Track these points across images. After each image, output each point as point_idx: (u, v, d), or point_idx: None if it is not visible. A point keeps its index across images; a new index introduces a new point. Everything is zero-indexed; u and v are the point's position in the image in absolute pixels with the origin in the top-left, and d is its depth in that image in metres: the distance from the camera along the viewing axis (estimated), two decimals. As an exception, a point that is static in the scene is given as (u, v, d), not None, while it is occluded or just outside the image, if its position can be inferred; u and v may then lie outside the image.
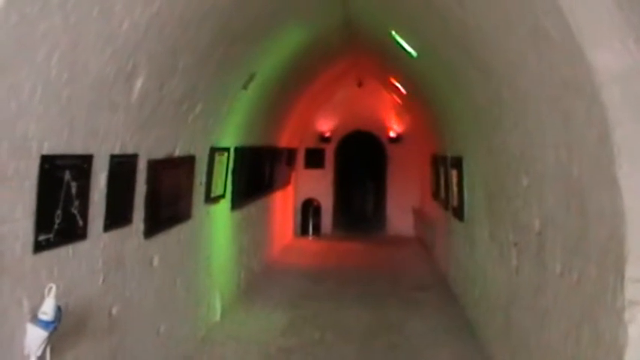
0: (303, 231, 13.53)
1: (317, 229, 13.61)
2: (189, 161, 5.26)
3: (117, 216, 3.72)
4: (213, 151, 5.99)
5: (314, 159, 13.83)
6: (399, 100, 12.84)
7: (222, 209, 6.82)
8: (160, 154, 4.41)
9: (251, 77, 6.40)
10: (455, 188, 7.56)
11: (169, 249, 4.92)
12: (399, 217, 13.84)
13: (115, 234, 3.74)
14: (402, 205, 13.76)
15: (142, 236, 4.23)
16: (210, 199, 6.13)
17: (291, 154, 11.86)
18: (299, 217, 13.59)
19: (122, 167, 3.72)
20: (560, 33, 2.75)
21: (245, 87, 6.39)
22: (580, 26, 2.53)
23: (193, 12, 3.96)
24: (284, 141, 10.82)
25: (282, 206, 11.77)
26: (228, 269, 7.32)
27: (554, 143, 3.40)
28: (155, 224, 4.45)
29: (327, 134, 13.92)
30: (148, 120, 4.00)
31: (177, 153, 4.86)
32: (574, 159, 3.10)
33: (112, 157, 3.55)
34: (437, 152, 9.50)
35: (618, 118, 2.52)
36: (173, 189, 4.88)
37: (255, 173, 8.51)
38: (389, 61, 9.29)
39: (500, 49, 3.95)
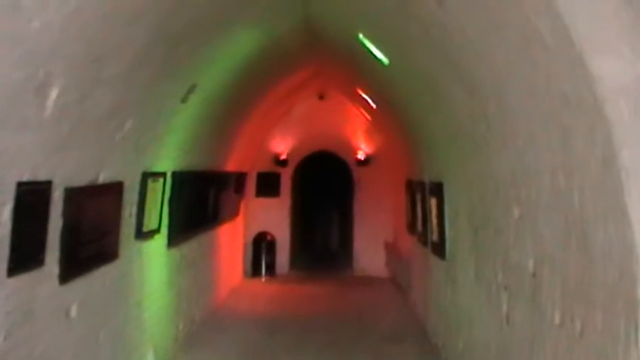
0: (255, 271, 13.41)
1: (271, 269, 13.50)
2: (116, 189, 5.18)
3: (25, 257, 3.61)
4: (146, 176, 5.93)
5: (267, 185, 13.78)
6: (367, 116, 12.93)
7: (156, 246, 6.75)
8: (80, 180, 4.33)
9: (191, 89, 6.35)
10: (434, 220, 7.57)
11: (91, 296, 4.81)
12: (369, 254, 13.84)
13: (23, 279, 3.62)
14: (372, 239, 13.78)
15: (56, 281, 4.12)
16: (143, 234, 6.06)
17: (240, 179, 11.80)
18: (250, 254, 13.48)
19: (32, 197, 3.62)
20: (556, 37, 2.76)
21: (184, 100, 6.35)
22: (580, 29, 2.54)
23: (122, 10, 3.88)
24: (232, 164, 10.76)
25: (230, 242, 11.68)
26: (164, 319, 7.19)
27: (551, 167, 3.41)
28: (73, 266, 4.35)
29: (283, 156, 13.91)
30: (65, 140, 3.90)
31: (102, 179, 4.78)
32: (574, 185, 3.11)
33: (20, 185, 3.44)
34: (413, 177, 9.54)
35: (626, 137, 2.51)
36: (96, 223, 4.80)
37: (197, 203, 8.44)
38: (356, 70, 9.34)
39: (486, 57, 3.97)
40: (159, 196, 6.53)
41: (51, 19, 3.14)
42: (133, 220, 5.77)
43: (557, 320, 3.46)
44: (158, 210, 6.58)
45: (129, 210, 5.61)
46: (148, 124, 5.58)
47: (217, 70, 7.11)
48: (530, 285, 3.97)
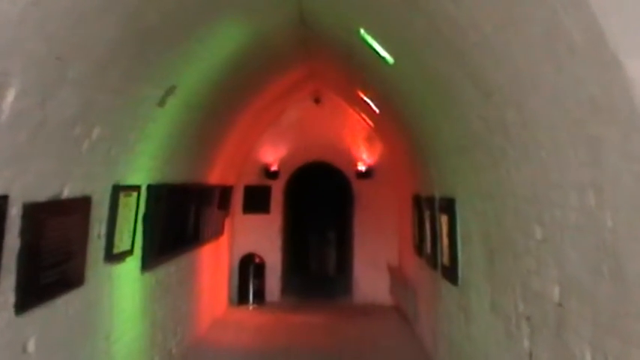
0: (241, 298, 13.37)
1: (260, 296, 13.46)
2: (83, 205, 5.14)
3: (-25, 284, 3.54)
4: (118, 190, 5.90)
5: (256, 200, 13.77)
6: (369, 122, 12.94)
7: (129, 270, 6.71)
8: (41, 195, 4.28)
9: (169, 91, 6.35)
10: (445, 240, 7.55)
11: (52, 327, 4.74)
12: (371, 279, 13.80)
13: (-28, 309, 3.55)
14: (375, 262, 13.76)
15: (12, 311, 4.06)
16: (113, 256, 6.02)
17: (224, 194, 11.77)
18: (235, 279, 13.45)
19: (-16, 214, 3.56)
20: (586, 35, 2.74)
21: (161, 104, 6.34)
22: (614, 25, 2.50)
23: (88, 1, 3.85)
24: (216, 176, 10.75)
25: (213, 265, 11.64)
26: (137, 353, 7.13)
27: (579, 182, 3.38)
28: (32, 293, 4.29)
29: (274, 167, 13.92)
30: (24, 148, 3.86)
31: (67, 194, 4.74)
32: (606, 204, 3.08)
33: (-30, 200, 3.38)
34: (421, 192, 9.53)
35: (665, 149, 2.49)
36: (60, 244, 4.74)
37: (176, 220, 8.42)
38: (357, 70, 9.35)
39: (504, 57, 3.95)
40: (132, 212, 6.50)
41: (6, 12, 3.11)
42: (102, 241, 5.72)
43: (587, 358, 3.43)
44: (131, 229, 6.54)
45: (97, 229, 5.56)
46: (119, 131, 5.54)
47: (199, 70, 7.10)
48: (555, 317, 3.94)
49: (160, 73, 6.00)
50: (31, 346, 4.38)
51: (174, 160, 7.81)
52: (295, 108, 13.69)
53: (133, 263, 6.82)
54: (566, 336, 3.77)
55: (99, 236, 5.63)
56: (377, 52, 7.07)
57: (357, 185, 14.02)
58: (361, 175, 13.94)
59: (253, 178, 13.82)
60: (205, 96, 7.88)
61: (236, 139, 11.33)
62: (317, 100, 13.68)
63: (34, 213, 4.16)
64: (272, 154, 13.96)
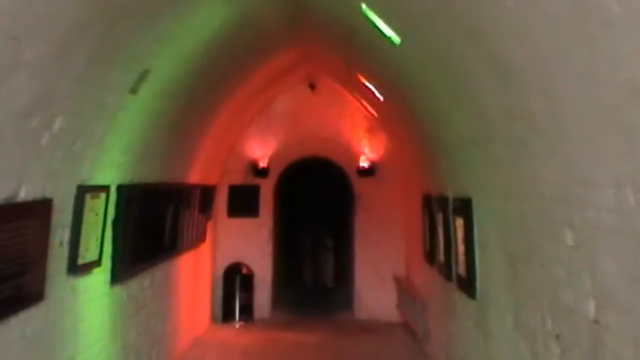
0: (226, 315, 13.38)
1: (247, 312, 13.48)
2: (42, 209, 5.12)
3: None
4: (83, 191, 5.89)
5: (243, 202, 13.79)
6: (372, 111, 12.92)
7: (96, 284, 6.70)
8: (-8, 197, 4.25)
9: (142, 76, 6.34)
10: (461, 247, 7.53)
11: (6, 351, 4.72)
12: (375, 292, 13.82)
13: None
14: (379, 271, 13.78)
15: (-41, 332, 4.03)
16: (78, 267, 6.01)
17: (206, 195, 11.79)
18: (219, 292, 13.47)
19: None
20: (625, 7, 2.70)
21: (133, 90, 6.34)
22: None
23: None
24: (196, 175, 10.76)
25: (194, 276, 11.65)
26: (106, 380, 7.12)
27: (615, 179, 3.36)
28: (-17, 312, 4.25)
29: (263, 164, 13.93)
30: (-29, 143, 3.81)
31: (24, 195, 4.72)
32: (647, 204, 3.05)
33: None
34: (432, 191, 9.53)
35: None
36: (15, 253, 4.73)
37: (151, 226, 8.42)
38: (358, 52, 9.34)
39: (526, 34, 3.93)
40: (100, 217, 6.49)
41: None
42: (65, 250, 5.70)
43: (626, 383, 3.40)
44: (99, 236, 6.53)
45: (59, 236, 5.54)
46: (85, 122, 5.53)
47: (176, 53, 7.09)
48: (590, 335, 3.91)
49: (132, 56, 5.98)
50: (-19, 373, 4.36)
51: (148, 156, 7.80)
52: (287, 96, 13.71)
53: (101, 275, 6.80)
54: (602, 358, 3.74)
55: (61, 244, 5.60)
56: (381, 31, 7.04)
57: (359, 184, 14.03)
58: (363, 172, 13.95)
59: (239, 177, 13.83)
60: (184, 82, 7.86)
61: (219, 131, 11.33)
62: (312, 87, 13.69)
63: (-15, 218, 4.14)
64: (261, 149, 13.96)
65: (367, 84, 10.72)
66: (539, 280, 4.88)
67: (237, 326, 13.12)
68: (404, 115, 9.92)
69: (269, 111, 13.79)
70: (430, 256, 9.94)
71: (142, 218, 7.83)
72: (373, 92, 10.82)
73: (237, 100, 11.10)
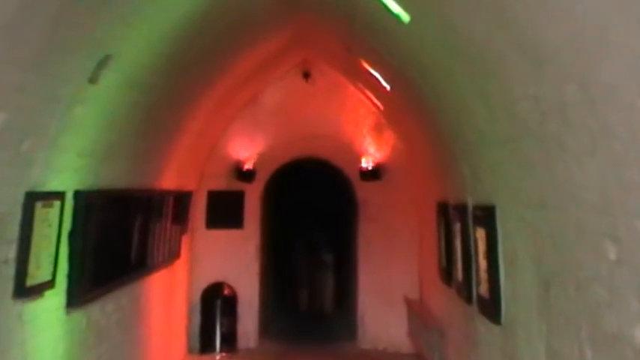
0: (205, 344, 13.41)
1: (230, 341, 13.50)
2: (-17, 220, 5.10)
3: None
4: (33, 199, 5.88)
5: (224, 211, 13.82)
6: (378, 104, 12.92)
7: (49, 309, 6.65)
8: None
9: (104, 62, 6.32)
10: (483, 263, 7.51)
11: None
12: (382, 317, 13.84)
13: None
14: (387, 293, 13.79)
15: None
16: (26, 290, 5.97)
17: (181, 202, 11.81)
18: (197, 317, 13.48)
19: None
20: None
21: (93, 80, 6.31)
22: None
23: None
24: (169, 179, 10.76)
25: (167, 299, 11.65)
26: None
27: (667, 183, 3.33)
28: None
29: (248, 166, 13.95)
30: None
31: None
32: None
33: None
34: (448, 198, 9.53)
35: None
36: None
37: (115, 240, 8.42)
38: (360, 33, 9.35)
39: (562, 12, 3.92)
40: (54, 229, 6.45)
41: None
42: (11, 268, 5.67)
43: None
44: (52, 252, 6.49)
45: (4, 252, 5.52)
46: (34, 118, 5.52)
47: (145, 36, 7.06)
48: (638, 370, 3.88)
49: (91, 40, 5.95)
50: None
51: (112, 157, 7.78)
52: (277, 86, 13.76)
53: (54, 299, 6.73)
54: (651, 395, 3.72)
55: (6, 262, 5.57)
56: (387, 8, 7.03)
57: (362, 189, 14.05)
58: (367, 176, 13.95)
59: (220, 181, 13.85)
60: (154, 71, 7.85)
61: (197, 128, 11.34)
62: (306, 75, 13.71)
63: None
64: (246, 149, 13.98)
65: (372, 71, 10.72)
66: (577, 302, 4.85)
67: (217, 358, 13.11)
68: (415, 108, 9.91)
69: (256, 104, 13.81)
70: (447, 274, 9.93)
71: (104, 230, 7.79)
72: (379, 81, 10.82)
73: (218, 91, 11.11)
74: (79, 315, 7.40)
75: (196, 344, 13.28)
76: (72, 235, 6.92)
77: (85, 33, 5.73)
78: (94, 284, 7.68)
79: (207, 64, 9.57)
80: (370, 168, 13.86)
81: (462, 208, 8.51)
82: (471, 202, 8.06)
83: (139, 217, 9.28)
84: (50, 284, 6.52)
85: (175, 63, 8.25)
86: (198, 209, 13.43)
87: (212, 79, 10.36)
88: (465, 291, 8.57)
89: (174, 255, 11.72)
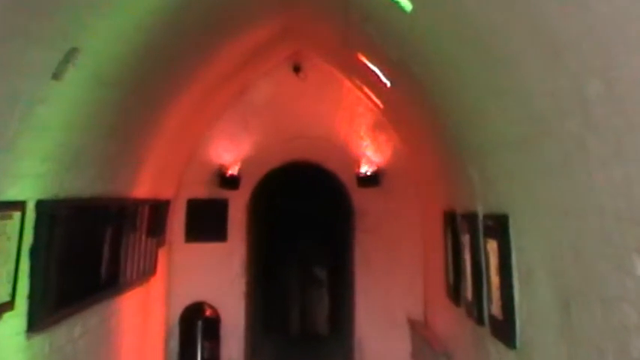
0: (184, 372, 13.31)
1: (212, 369, 13.41)
2: None
3: None
4: None
5: (206, 222, 13.84)
6: (377, 101, 12.92)
7: (7, 333, 6.63)
8: None
9: (69, 56, 6.29)
10: (495, 279, 7.52)
11: None
12: (382, 340, 13.81)
13: None
14: (388, 313, 13.80)
15: None
16: (-19, 312, 5.97)
17: (157, 212, 11.81)
18: (175, 342, 13.46)
19: None
20: None
21: (57, 76, 6.28)
22: None
23: None
24: (144, 187, 10.76)
25: (141, 321, 11.63)
26: None
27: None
28: None
29: (233, 172, 13.92)
30: None
31: None
32: None
33: None
34: (455, 206, 9.55)
35: None
36: None
37: (83, 255, 8.40)
38: (357, 23, 9.32)
39: (582, 0, 3.90)
40: (13, 243, 6.44)
41: None
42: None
43: None
44: (11, 269, 6.47)
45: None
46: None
47: (116, 27, 7.05)
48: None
49: (56, 30, 5.93)
50: None
51: (79, 163, 7.75)
52: (264, 82, 13.77)
53: (14, 322, 6.70)
54: None
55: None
56: (387, -6, 7.04)
57: (359, 197, 14.05)
58: (365, 182, 13.94)
59: (201, 189, 13.83)
60: (127, 65, 7.84)
61: (176, 129, 11.33)
62: (297, 69, 13.73)
63: None
64: (230, 153, 13.96)
65: (370, 65, 10.72)
66: (601, 322, 4.84)
67: (199, 388, 13.11)
68: (419, 106, 9.92)
69: (241, 102, 13.82)
70: (455, 291, 9.93)
71: (71, 244, 7.76)
72: (378, 76, 10.83)
73: (198, 88, 11.11)
74: (41, 340, 7.34)
75: (175, 372, 13.29)
76: (34, 250, 6.86)
77: (48, 23, 5.70)
78: (59, 305, 7.63)
79: (186, 56, 9.55)
80: (368, 173, 13.85)
81: (471, 218, 8.53)
82: (481, 211, 8.07)
83: (109, 229, 9.26)
84: (9, 306, 6.48)
85: (151, 56, 8.22)
86: (177, 220, 13.41)
87: (192, 73, 10.35)
88: (476, 311, 8.57)
89: (149, 271, 11.70)
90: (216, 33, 9.87)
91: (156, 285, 12.41)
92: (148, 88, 8.93)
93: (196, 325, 13.38)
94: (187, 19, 8.29)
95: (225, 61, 11.24)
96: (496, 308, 7.58)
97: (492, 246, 7.58)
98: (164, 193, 12.09)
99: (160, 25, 7.77)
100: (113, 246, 9.46)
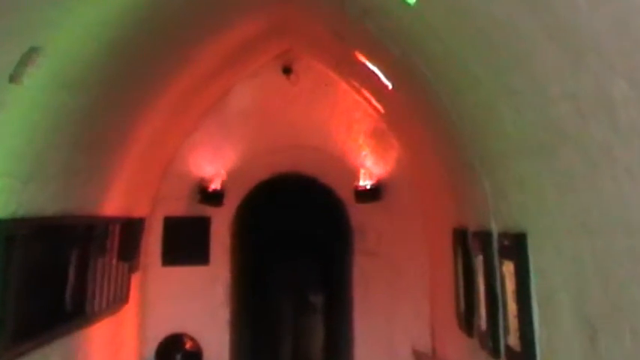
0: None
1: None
2: None
3: None
4: None
5: (185, 243, 13.84)
6: (377, 106, 12.92)
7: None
8: None
9: (28, 56, 6.28)
10: (512, 306, 7.50)
11: None
12: (384, 374, 13.75)
13: None
14: (391, 344, 13.79)
15: None
16: None
17: (130, 232, 11.79)
18: (150, 380, 13.36)
19: None
20: None
21: (15, 78, 6.29)
22: None
23: None
24: (114, 203, 10.75)
25: (111, 355, 11.60)
26: None
27: None
28: None
29: (216, 186, 13.91)
30: None
31: None
32: None
33: None
34: (466, 223, 9.56)
35: None
36: None
37: (44, 280, 8.37)
38: (354, 18, 9.33)
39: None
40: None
41: None
42: None
43: None
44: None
45: None
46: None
47: (83, 24, 7.03)
48: None
49: (13, 28, 5.92)
50: None
51: (40, 176, 7.73)
52: (250, 85, 13.82)
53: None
54: None
55: None
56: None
57: (358, 213, 14.07)
58: (364, 196, 13.93)
59: (180, 205, 13.84)
60: (95, 67, 7.83)
61: (151, 137, 11.33)
62: (287, 71, 13.71)
63: None
64: (212, 164, 13.96)
65: (369, 65, 10.72)
66: (633, 355, 4.82)
67: None
68: (424, 110, 9.92)
69: (224, 108, 13.84)
70: (466, 320, 9.92)
71: (30, 269, 7.74)
72: (378, 77, 10.83)
73: (176, 91, 11.11)
74: (-3, 379, 7.35)
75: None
76: (-12, 276, 6.88)
77: (5, 18, 5.69)
78: (16, 339, 7.58)
79: (163, 56, 9.56)
80: (368, 186, 13.83)
81: (484, 236, 8.51)
82: (495, 229, 8.06)
83: (75, 251, 9.21)
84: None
85: (123, 55, 8.22)
86: (152, 241, 13.42)
87: (169, 75, 10.37)
88: (490, 341, 8.55)
89: (121, 299, 11.68)
90: (196, 30, 9.86)
91: (128, 315, 12.39)
92: (119, 91, 8.91)
93: (174, 360, 13.39)
94: (163, 15, 8.29)
95: (207, 61, 11.25)
96: (513, 339, 7.56)
97: (509, 268, 7.56)
98: (138, 210, 12.08)
99: (133, 21, 7.77)
100: (79, 271, 9.41)
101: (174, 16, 8.69)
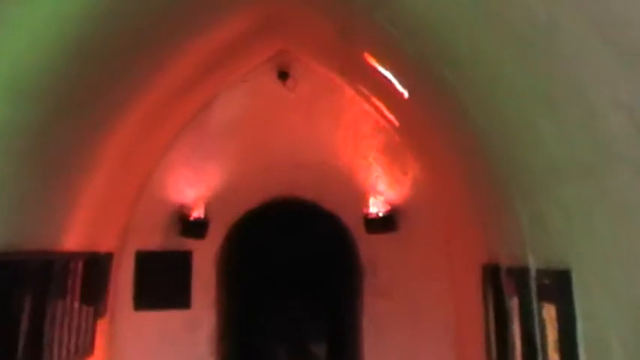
0: None
1: None
2: None
3: None
4: None
5: (162, 282, 13.80)
6: (390, 117, 12.89)
7: None
8: None
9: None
10: (554, 357, 7.47)
11: None
12: None
13: None
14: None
15: None
16: None
17: (95, 270, 11.78)
18: None
19: None
20: None
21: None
22: None
23: None
24: (76, 236, 10.72)
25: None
26: None
27: None
28: None
29: (198, 213, 13.88)
30: None
31: None
32: None
33: None
34: (498, 257, 9.53)
35: None
36: None
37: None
38: (361, 14, 9.31)
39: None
40: None
41: None
42: None
43: None
44: None
45: None
46: None
47: (39, 18, 7.02)
48: None
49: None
50: None
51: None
52: (239, 92, 13.80)
53: None
54: None
55: None
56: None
57: (368, 246, 14.07)
58: (376, 226, 13.94)
59: (155, 237, 13.84)
60: (52, 70, 7.80)
61: (120, 158, 11.28)
62: (283, 75, 13.70)
63: None
64: (193, 188, 13.97)
65: (380, 69, 10.71)
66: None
67: None
68: (447, 122, 9.92)
69: (208, 120, 13.86)
70: (499, 376, 9.87)
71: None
72: (392, 83, 10.81)
73: (151, 101, 11.12)
74: None
75: None
76: None
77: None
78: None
79: (134, 58, 9.54)
80: (380, 214, 13.84)
81: (520, 273, 8.50)
82: (533, 264, 8.03)
83: (29, 294, 9.18)
84: None
85: (85, 57, 8.18)
86: (122, 280, 13.38)
87: (143, 82, 10.36)
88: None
89: (84, 350, 11.65)
90: (176, 28, 9.86)
91: (93, 371, 12.34)
92: (81, 102, 8.86)
93: None
94: (137, 10, 8.27)
95: (188, 65, 11.25)
96: (555, 399, 7.55)
97: (550, 312, 7.55)
98: (104, 243, 12.06)
99: (98, 15, 7.73)
100: (34, 317, 9.36)
101: (151, 12, 8.67)
